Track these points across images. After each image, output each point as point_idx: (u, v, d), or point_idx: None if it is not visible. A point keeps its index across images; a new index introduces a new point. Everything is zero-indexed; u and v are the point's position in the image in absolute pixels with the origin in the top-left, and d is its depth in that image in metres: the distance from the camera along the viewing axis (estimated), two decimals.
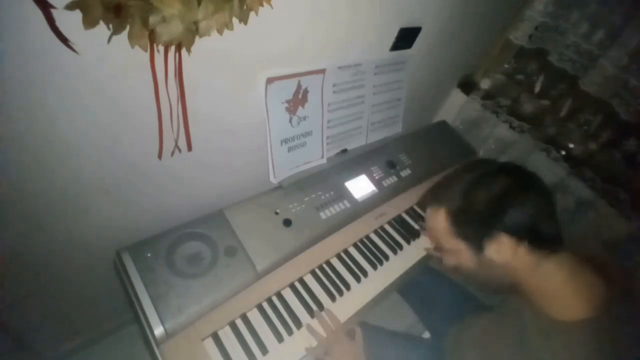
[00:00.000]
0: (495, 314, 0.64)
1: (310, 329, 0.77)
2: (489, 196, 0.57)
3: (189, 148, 0.75)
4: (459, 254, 0.63)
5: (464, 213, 0.60)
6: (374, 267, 0.92)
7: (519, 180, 0.59)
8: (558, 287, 0.56)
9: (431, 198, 0.66)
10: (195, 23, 0.51)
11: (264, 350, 0.71)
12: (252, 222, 0.83)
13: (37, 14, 0.43)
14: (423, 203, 0.69)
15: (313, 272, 0.87)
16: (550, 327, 0.53)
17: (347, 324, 0.81)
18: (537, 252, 0.57)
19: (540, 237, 0.57)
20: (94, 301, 0.99)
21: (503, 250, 0.57)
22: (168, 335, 0.65)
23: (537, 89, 1.29)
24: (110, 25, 0.46)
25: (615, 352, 0.51)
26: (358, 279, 0.88)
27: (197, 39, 0.54)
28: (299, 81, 0.84)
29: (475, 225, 0.59)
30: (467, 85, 1.47)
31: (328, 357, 0.75)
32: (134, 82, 0.58)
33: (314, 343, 0.75)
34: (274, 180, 0.90)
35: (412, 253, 0.99)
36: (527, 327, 0.56)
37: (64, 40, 0.46)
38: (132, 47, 0.48)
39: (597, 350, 0.50)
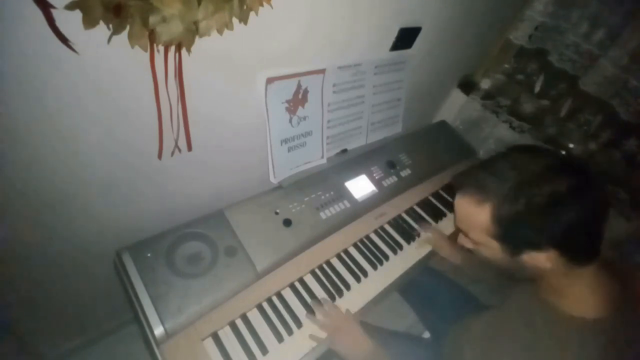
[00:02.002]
0: (498, 314, 0.64)
1: (310, 317, 0.78)
2: (544, 204, 0.49)
3: (189, 148, 0.75)
4: (484, 247, 0.58)
5: (512, 219, 0.51)
6: (374, 267, 0.92)
7: (579, 187, 0.49)
8: (580, 290, 0.55)
9: (474, 188, 0.56)
10: (195, 23, 0.51)
11: (264, 350, 0.71)
12: (252, 222, 0.83)
13: (37, 14, 0.43)
14: (460, 186, 0.59)
15: (313, 272, 0.87)
16: (564, 322, 0.53)
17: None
18: (573, 264, 0.53)
19: (583, 252, 0.53)
20: (94, 301, 0.99)
21: (541, 260, 0.52)
22: (168, 335, 0.65)
23: (537, 89, 1.29)
24: (110, 25, 0.46)
25: (626, 353, 0.51)
26: (358, 279, 0.88)
27: (197, 39, 0.54)
28: (299, 81, 0.84)
29: (522, 234, 0.52)
30: (467, 85, 1.47)
31: (333, 341, 0.76)
32: (134, 82, 0.58)
33: (320, 333, 0.76)
34: (274, 180, 0.90)
35: (412, 253, 0.99)
36: (537, 322, 0.56)
37: (64, 40, 0.46)
38: (132, 47, 0.49)
39: (611, 348, 0.50)
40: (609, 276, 0.56)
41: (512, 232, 0.53)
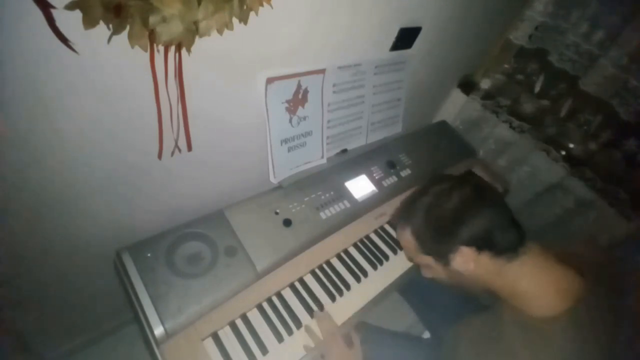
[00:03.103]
0: (486, 314, 0.65)
1: (308, 330, 0.77)
2: (445, 214, 0.62)
3: (189, 148, 0.75)
4: (431, 267, 0.68)
5: (426, 231, 0.64)
6: (374, 267, 0.92)
7: (473, 196, 0.62)
8: (528, 286, 0.58)
9: (399, 218, 0.71)
10: (195, 23, 0.51)
11: (264, 350, 0.71)
12: (252, 222, 0.83)
13: (37, 14, 0.43)
14: (393, 223, 0.75)
15: (313, 272, 0.87)
16: (527, 324, 0.55)
17: (346, 325, 0.81)
18: (498, 257, 0.59)
19: (498, 245, 0.59)
20: (94, 301, 0.99)
21: (466, 262, 0.61)
22: (168, 335, 0.66)
23: (537, 89, 1.29)
24: (110, 25, 0.46)
25: (595, 342, 0.52)
26: (358, 279, 0.88)
27: (197, 39, 0.54)
28: (299, 81, 0.84)
29: (437, 242, 0.64)
30: (467, 85, 1.47)
31: (325, 358, 0.75)
32: (134, 82, 0.58)
33: (312, 343, 0.75)
34: (274, 180, 0.90)
35: None
36: (505, 325, 0.58)
37: (64, 40, 0.46)
38: (132, 47, 0.48)
39: (578, 343, 0.51)
40: (558, 268, 0.58)
41: (428, 242, 0.65)
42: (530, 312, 0.56)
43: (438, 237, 0.63)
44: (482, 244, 0.59)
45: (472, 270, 0.61)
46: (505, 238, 0.59)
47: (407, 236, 0.67)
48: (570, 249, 0.65)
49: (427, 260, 0.67)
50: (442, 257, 0.63)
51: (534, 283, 0.57)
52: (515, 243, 0.59)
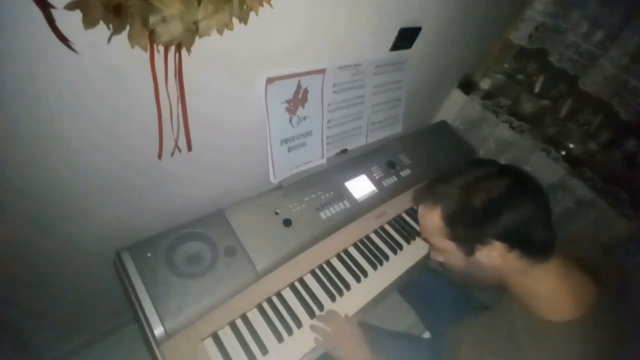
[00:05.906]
0: (491, 314, 0.65)
1: (313, 327, 0.77)
2: (486, 201, 0.56)
3: (189, 148, 0.75)
4: (448, 253, 0.63)
5: (459, 216, 0.59)
6: (374, 267, 0.92)
7: (517, 186, 0.57)
8: (547, 290, 0.56)
9: (427, 195, 0.64)
10: (195, 23, 0.51)
11: (264, 350, 0.72)
12: (252, 222, 0.83)
13: (37, 14, 0.43)
14: (417, 199, 0.68)
15: (313, 272, 0.87)
16: (539, 327, 0.54)
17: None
18: (528, 259, 0.57)
19: (532, 245, 0.56)
20: (94, 301, 0.99)
21: (493, 256, 0.57)
22: (168, 335, 0.65)
23: (537, 89, 1.29)
24: (110, 25, 0.46)
25: (607, 350, 0.52)
26: (358, 279, 0.88)
27: (197, 39, 0.54)
28: (299, 81, 0.84)
29: (469, 230, 0.59)
30: (467, 85, 1.47)
31: (331, 346, 0.75)
32: (134, 82, 0.58)
33: (320, 337, 0.76)
34: (274, 180, 0.90)
35: (412, 253, 0.99)
36: (516, 326, 0.57)
37: (64, 40, 0.46)
38: (132, 47, 0.49)
39: (587, 349, 0.51)
40: (577, 275, 0.57)
41: (459, 228, 0.59)
42: (543, 314, 0.55)
43: (471, 225, 0.57)
44: (517, 241, 0.55)
45: (497, 264, 0.58)
46: (541, 239, 0.56)
47: (433, 217, 0.61)
48: (586, 255, 0.62)
49: (447, 245, 0.62)
50: (468, 246, 0.59)
51: (554, 288, 0.56)
52: (549, 245, 0.56)
